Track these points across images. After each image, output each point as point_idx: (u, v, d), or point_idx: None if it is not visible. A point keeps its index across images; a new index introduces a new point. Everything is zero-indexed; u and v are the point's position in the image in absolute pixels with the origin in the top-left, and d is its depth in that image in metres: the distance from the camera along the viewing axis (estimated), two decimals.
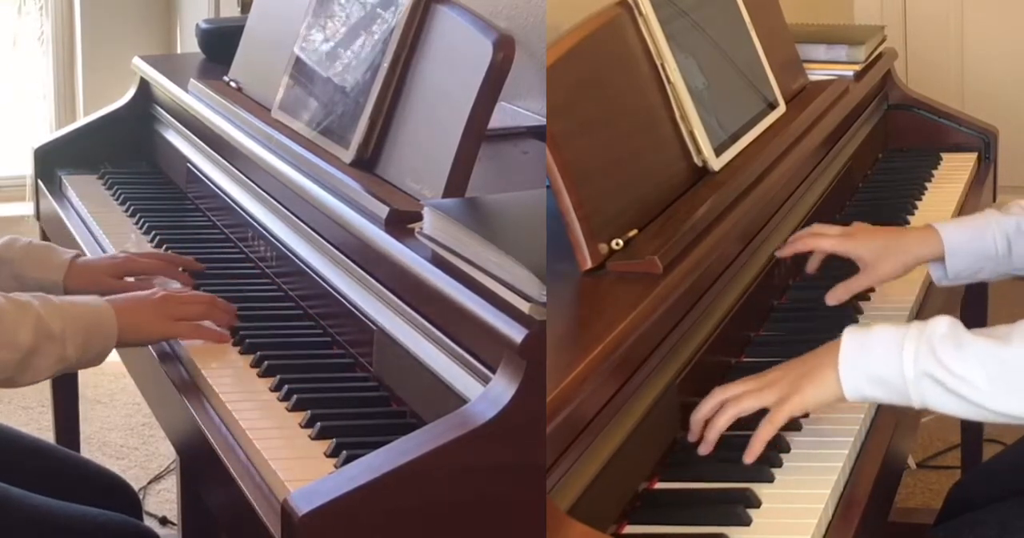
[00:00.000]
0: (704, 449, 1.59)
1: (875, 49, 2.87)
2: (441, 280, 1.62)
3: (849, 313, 2.00)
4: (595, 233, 1.69)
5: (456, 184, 1.79)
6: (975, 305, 2.70)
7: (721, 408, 1.59)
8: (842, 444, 1.62)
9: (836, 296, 1.95)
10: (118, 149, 2.86)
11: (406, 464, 1.41)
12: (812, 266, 2.03)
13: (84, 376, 3.09)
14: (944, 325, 1.55)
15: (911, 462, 3.25)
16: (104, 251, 2.37)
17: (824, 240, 1.99)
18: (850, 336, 1.57)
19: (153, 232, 2.40)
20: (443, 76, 1.88)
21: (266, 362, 1.83)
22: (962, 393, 1.54)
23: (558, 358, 1.44)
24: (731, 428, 1.67)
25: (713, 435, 1.58)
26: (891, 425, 1.71)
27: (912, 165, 2.77)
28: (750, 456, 1.56)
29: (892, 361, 1.53)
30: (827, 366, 1.57)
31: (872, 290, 2.08)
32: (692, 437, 1.61)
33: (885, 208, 2.50)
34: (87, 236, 2.48)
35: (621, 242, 1.72)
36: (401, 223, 1.77)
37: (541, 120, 2.26)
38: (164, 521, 3.16)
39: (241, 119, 2.30)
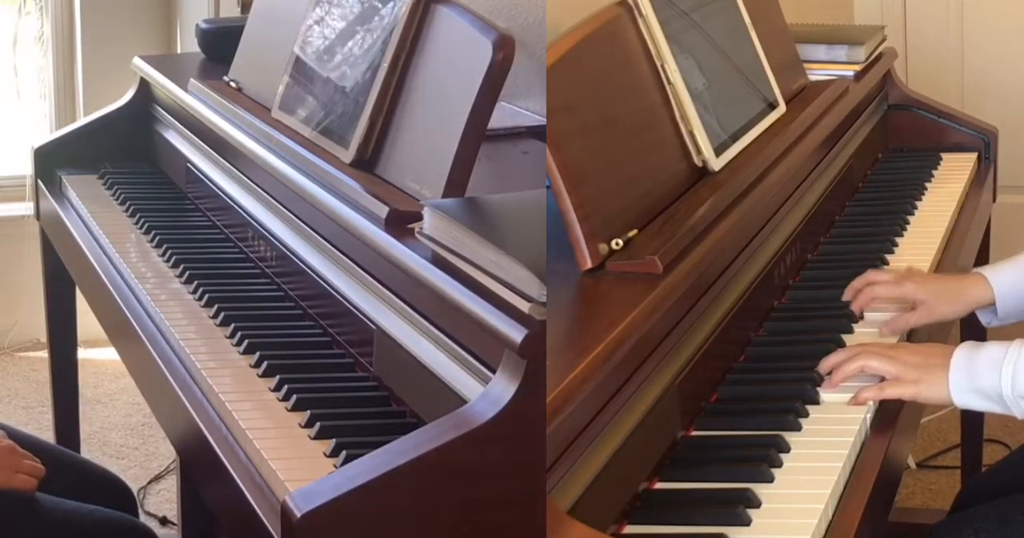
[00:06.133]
0: (828, 386, 1.76)
1: (875, 49, 2.87)
2: (441, 280, 1.62)
3: (849, 314, 1.99)
4: (595, 233, 1.69)
5: (456, 184, 1.79)
6: (971, 328, 2.70)
7: (850, 359, 1.75)
8: (842, 444, 1.62)
9: (892, 328, 1.96)
10: (118, 149, 2.86)
11: (406, 464, 1.41)
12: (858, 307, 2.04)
13: (84, 376, 3.10)
14: None
15: (911, 462, 3.25)
16: (104, 251, 2.37)
17: (880, 289, 2.01)
18: (961, 351, 1.72)
19: (153, 232, 2.40)
20: (443, 76, 1.88)
21: (266, 362, 1.83)
22: None
23: (558, 358, 1.44)
24: (732, 428, 1.67)
25: (839, 378, 1.75)
26: (891, 425, 1.71)
27: (912, 165, 2.77)
28: (859, 401, 1.72)
29: (993, 380, 1.69)
30: (940, 375, 1.72)
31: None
32: (822, 369, 1.78)
33: (885, 208, 2.50)
34: (87, 236, 2.48)
35: (621, 242, 1.72)
36: (401, 223, 1.77)
37: (541, 120, 2.26)
38: (164, 521, 3.16)
39: (241, 119, 2.30)
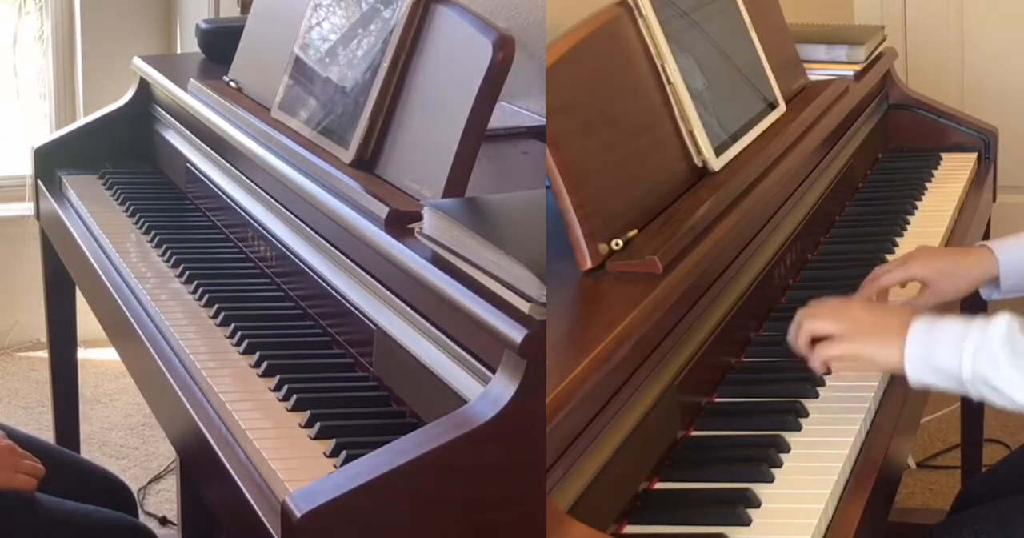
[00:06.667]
0: (815, 367, 1.72)
1: (875, 49, 2.87)
2: (441, 280, 1.62)
3: None
4: (595, 233, 1.69)
5: (456, 184, 1.79)
6: (973, 305, 2.70)
7: (799, 330, 1.72)
8: (842, 444, 1.62)
9: None
10: (118, 149, 2.86)
11: (406, 464, 1.41)
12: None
13: (84, 376, 3.10)
14: (1003, 327, 1.61)
15: (911, 462, 3.25)
16: (104, 251, 2.37)
17: (887, 277, 1.98)
18: (919, 324, 1.65)
19: (153, 232, 2.40)
20: (443, 76, 1.88)
21: (266, 362, 1.84)
22: (1015, 398, 1.61)
23: (558, 358, 1.44)
24: (732, 428, 1.67)
25: (812, 357, 1.71)
26: (891, 425, 1.71)
27: (912, 165, 2.77)
28: (819, 368, 1.71)
29: (953, 359, 1.62)
30: (894, 339, 1.65)
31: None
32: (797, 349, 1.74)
33: (885, 208, 2.50)
34: (87, 236, 2.48)
35: (621, 242, 1.72)
36: (401, 223, 1.77)
37: (541, 120, 2.26)
38: (164, 521, 3.16)
39: (241, 119, 2.30)
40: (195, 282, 2.14)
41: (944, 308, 2.05)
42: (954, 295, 1.99)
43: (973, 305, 2.66)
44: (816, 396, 1.75)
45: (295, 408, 1.71)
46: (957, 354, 1.61)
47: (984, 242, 2.02)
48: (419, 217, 1.72)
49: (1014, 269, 1.97)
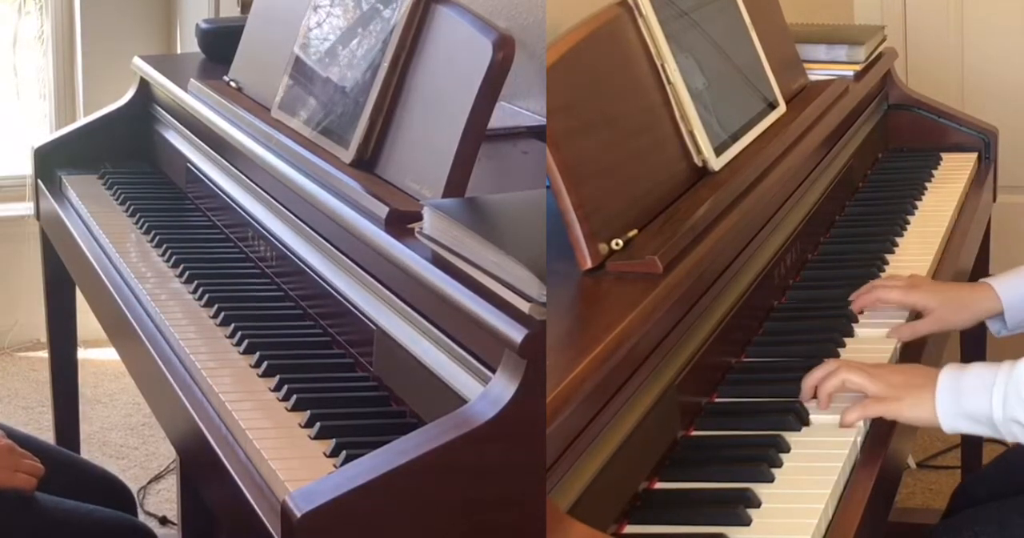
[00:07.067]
0: (822, 406, 1.71)
1: (875, 49, 2.87)
2: (441, 280, 1.62)
3: (849, 314, 1.99)
4: (595, 233, 1.69)
5: (456, 184, 1.79)
6: (973, 335, 2.70)
7: (831, 374, 1.71)
8: (842, 444, 1.62)
9: (901, 334, 1.95)
10: (118, 149, 2.86)
11: (406, 464, 1.41)
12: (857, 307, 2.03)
13: (84, 376, 3.10)
14: None
15: (911, 462, 3.25)
16: (104, 251, 2.37)
17: (890, 293, 2.01)
18: (946, 375, 1.68)
19: (153, 232, 2.40)
20: (443, 76, 1.88)
21: (266, 362, 1.83)
22: None
23: (558, 358, 1.44)
24: (732, 428, 1.67)
25: (825, 398, 1.71)
26: (891, 425, 1.71)
27: (912, 165, 2.77)
28: (846, 423, 1.68)
29: (983, 405, 1.65)
30: (924, 396, 1.68)
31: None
32: (804, 398, 1.73)
33: (885, 208, 2.50)
34: (87, 236, 2.48)
35: (621, 242, 1.72)
36: (401, 223, 1.77)
37: (541, 120, 2.26)
38: (164, 521, 3.16)
39: (241, 119, 2.30)
40: (195, 282, 2.14)
41: (940, 336, 2.06)
42: (957, 325, 2.02)
43: (970, 337, 2.68)
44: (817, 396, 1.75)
45: (295, 408, 1.71)
46: (987, 400, 1.65)
47: (985, 279, 2.04)
48: (419, 217, 1.72)
49: (1018, 306, 1.99)
